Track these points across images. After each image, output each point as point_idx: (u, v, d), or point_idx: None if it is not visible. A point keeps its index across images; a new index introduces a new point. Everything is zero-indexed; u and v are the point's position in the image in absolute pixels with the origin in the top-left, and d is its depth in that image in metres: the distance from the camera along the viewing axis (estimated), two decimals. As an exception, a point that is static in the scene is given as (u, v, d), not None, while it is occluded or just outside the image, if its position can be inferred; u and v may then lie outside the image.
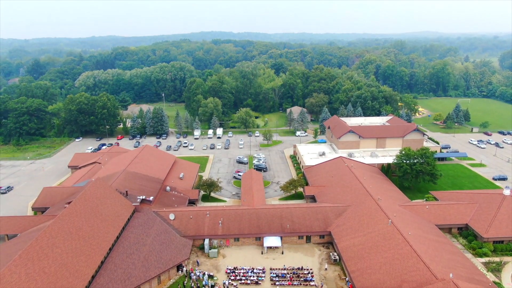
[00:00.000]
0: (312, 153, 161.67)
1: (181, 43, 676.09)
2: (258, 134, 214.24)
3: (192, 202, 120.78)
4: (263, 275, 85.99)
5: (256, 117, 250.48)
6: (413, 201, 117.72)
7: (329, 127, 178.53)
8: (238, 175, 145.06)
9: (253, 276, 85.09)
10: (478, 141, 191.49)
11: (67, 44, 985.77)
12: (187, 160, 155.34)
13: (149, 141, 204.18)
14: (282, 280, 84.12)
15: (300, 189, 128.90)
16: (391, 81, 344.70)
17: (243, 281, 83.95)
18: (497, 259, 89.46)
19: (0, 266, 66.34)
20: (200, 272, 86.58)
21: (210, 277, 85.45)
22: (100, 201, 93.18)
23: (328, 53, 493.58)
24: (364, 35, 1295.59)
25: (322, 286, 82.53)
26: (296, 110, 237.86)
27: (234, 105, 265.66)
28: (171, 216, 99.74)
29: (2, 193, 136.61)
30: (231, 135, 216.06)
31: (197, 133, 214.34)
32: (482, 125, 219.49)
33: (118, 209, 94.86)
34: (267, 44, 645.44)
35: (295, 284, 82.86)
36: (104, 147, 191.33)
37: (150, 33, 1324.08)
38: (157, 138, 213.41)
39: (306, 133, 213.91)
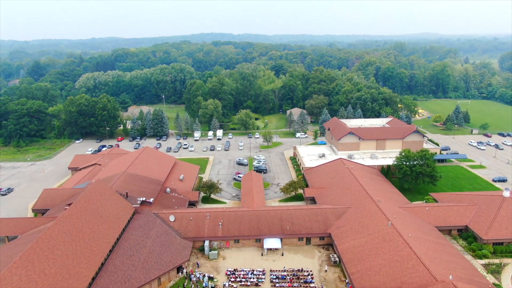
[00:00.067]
0: (312, 154, 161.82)
1: (181, 44, 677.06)
2: (258, 136, 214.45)
3: (192, 204, 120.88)
4: (263, 276, 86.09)
5: (256, 119, 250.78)
6: (413, 202, 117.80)
7: (329, 129, 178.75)
8: (238, 176, 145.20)
9: (253, 278, 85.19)
10: (478, 142, 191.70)
11: (67, 46, 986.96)
12: (187, 162, 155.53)
13: (149, 143, 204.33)
14: (282, 282, 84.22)
15: (300, 191, 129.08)
16: (391, 83, 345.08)
17: (243, 283, 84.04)
18: (497, 260, 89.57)
19: (1, 268, 66.46)
20: (200, 274, 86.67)
21: (210, 279, 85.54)
22: (100, 203, 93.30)
23: (328, 55, 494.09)
24: (364, 37, 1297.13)
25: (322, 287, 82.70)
26: (296, 112, 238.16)
27: (234, 107, 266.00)
28: (171, 218, 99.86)
29: (2, 194, 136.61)
30: (231, 136, 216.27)
31: (197, 134, 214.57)
32: (482, 126, 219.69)
33: (118, 210, 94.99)
34: (267, 45, 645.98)
35: (295, 286, 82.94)
36: (104, 148, 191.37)
37: (150, 35, 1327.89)
38: (157, 139, 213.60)
39: (306, 135, 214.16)
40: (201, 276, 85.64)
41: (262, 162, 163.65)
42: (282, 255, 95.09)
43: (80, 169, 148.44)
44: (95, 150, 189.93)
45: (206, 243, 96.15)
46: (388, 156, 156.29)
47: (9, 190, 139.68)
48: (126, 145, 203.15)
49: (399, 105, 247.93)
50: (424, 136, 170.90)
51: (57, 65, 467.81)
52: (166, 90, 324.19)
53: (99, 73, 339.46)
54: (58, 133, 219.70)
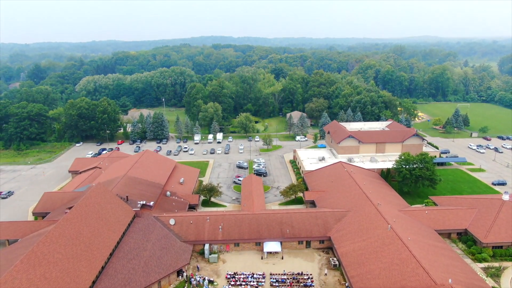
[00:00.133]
0: (312, 158, 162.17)
1: (181, 47, 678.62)
2: (258, 139, 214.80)
3: (192, 207, 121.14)
4: (263, 280, 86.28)
5: (256, 122, 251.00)
6: (412, 206, 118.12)
7: (328, 132, 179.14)
8: (238, 180, 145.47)
9: (253, 281, 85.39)
10: (477, 146, 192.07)
11: (67, 49, 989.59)
12: (187, 165, 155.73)
13: (149, 146, 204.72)
14: (282, 285, 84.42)
15: (300, 194, 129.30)
16: (391, 86, 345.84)
17: (243, 286, 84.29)
18: (496, 264, 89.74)
19: (1, 272, 66.71)
20: (200, 277, 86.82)
21: (210, 282, 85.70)
22: (100, 206, 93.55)
23: (328, 58, 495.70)
24: (364, 40, 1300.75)
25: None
26: (296, 115, 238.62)
27: (234, 110, 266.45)
28: (172, 221, 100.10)
29: (3, 198, 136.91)
30: (231, 140, 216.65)
31: (197, 138, 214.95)
32: (481, 130, 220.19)
33: (119, 214, 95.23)
34: (267, 48, 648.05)
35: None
36: (104, 152, 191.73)
37: (150, 38, 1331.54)
38: (157, 143, 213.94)
39: (306, 138, 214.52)
40: (201, 280, 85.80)
41: (262, 166, 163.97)
42: (282, 258, 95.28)
43: (80, 173, 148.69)
44: (95, 153, 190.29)
45: (206, 246, 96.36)
46: (387, 160, 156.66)
47: (10, 193, 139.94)
48: (126, 148, 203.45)
49: (398, 109, 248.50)
50: (423, 139, 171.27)
51: (57, 68, 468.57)
52: (166, 93, 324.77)
53: (99, 76, 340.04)
54: (58, 136, 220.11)
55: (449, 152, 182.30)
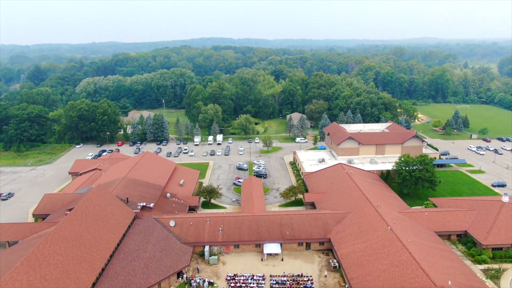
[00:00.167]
0: (312, 159, 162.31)
1: (181, 49, 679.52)
2: (258, 141, 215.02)
3: (192, 209, 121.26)
4: (263, 282, 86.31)
5: (256, 124, 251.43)
6: (412, 208, 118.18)
7: (328, 134, 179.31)
8: (238, 181, 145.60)
9: (253, 283, 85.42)
10: (477, 147, 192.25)
11: (67, 50, 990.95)
12: (187, 167, 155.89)
13: (150, 148, 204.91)
14: (282, 287, 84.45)
15: (300, 196, 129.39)
16: (391, 88, 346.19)
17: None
18: (496, 266, 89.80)
19: (1, 273, 66.82)
20: (200, 279, 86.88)
21: (210, 284, 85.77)
22: (101, 208, 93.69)
23: (328, 60, 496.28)
24: (364, 41, 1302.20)
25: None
26: (295, 117, 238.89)
27: (234, 112, 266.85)
28: (172, 223, 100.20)
29: (3, 199, 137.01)
30: (231, 141, 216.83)
31: (197, 139, 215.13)
32: (481, 131, 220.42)
33: (119, 216, 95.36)
34: (267, 50, 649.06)
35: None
36: (104, 153, 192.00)
37: (151, 39, 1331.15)
38: (157, 144, 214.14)
39: (306, 140, 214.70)
40: (201, 281, 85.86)
41: (262, 167, 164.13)
42: (282, 260, 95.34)
43: (80, 174, 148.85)
44: (96, 155, 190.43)
45: (206, 248, 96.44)
46: (387, 161, 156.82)
47: (10, 195, 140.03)
48: (126, 150, 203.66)
49: (398, 110, 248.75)
50: (423, 141, 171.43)
51: (57, 69, 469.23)
52: (166, 95, 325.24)
53: (99, 78, 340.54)
54: (58, 138, 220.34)
55: (448, 154, 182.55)
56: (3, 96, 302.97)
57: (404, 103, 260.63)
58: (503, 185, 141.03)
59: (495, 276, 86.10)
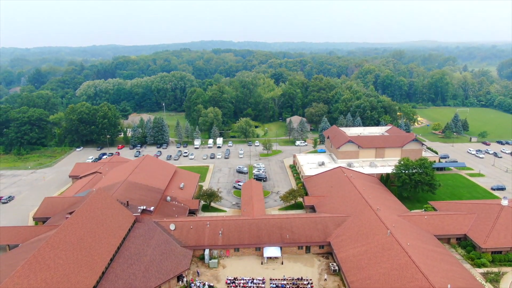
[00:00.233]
0: (312, 163, 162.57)
1: (182, 52, 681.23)
2: (258, 144, 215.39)
3: (192, 212, 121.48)
4: (263, 285, 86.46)
5: (256, 127, 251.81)
6: (412, 211, 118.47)
7: (328, 137, 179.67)
8: (238, 185, 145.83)
9: (253, 287, 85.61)
10: (476, 150, 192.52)
11: (68, 53, 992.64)
12: (187, 170, 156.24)
13: (150, 151, 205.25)
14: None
15: (300, 199, 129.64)
16: (390, 91, 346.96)
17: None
18: (495, 269, 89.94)
19: (2, 277, 67.03)
20: (200, 282, 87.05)
21: (211, 287, 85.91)
22: (101, 212, 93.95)
23: (328, 63, 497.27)
24: (364, 44, 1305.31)
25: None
26: (295, 120, 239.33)
27: (234, 115, 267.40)
28: (172, 226, 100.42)
29: (3, 203, 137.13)
30: (231, 144, 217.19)
31: (197, 142, 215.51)
32: (481, 134, 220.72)
33: (119, 219, 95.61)
34: (267, 53, 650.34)
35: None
36: (104, 156, 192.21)
37: (151, 42, 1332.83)
38: (157, 147, 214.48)
39: (306, 143, 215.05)
40: (201, 285, 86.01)
41: (262, 170, 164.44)
42: (282, 263, 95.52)
43: (80, 177, 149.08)
44: (96, 158, 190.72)
45: (206, 251, 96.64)
46: (387, 165, 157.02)
47: (10, 198, 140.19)
48: (127, 153, 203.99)
49: (398, 113, 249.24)
50: (423, 144, 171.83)
51: (58, 72, 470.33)
52: (166, 98, 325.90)
53: (99, 81, 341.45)
54: (58, 141, 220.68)
55: (448, 157, 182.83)
56: (4, 99, 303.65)
57: (403, 106, 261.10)
58: (502, 189, 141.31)
59: (494, 280, 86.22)
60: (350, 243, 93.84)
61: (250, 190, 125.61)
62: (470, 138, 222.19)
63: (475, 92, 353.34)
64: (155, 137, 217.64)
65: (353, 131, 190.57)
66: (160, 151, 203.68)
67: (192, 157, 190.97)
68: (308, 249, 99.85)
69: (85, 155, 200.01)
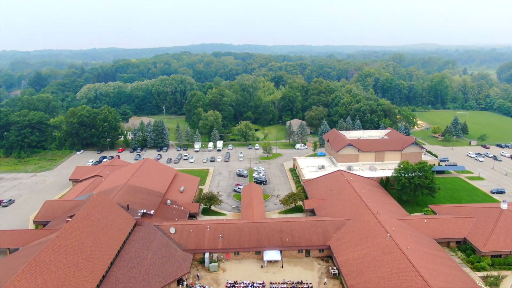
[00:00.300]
0: (312, 166, 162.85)
1: (182, 55, 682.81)
2: (258, 147, 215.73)
3: (192, 216, 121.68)
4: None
5: (256, 130, 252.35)
6: (411, 214, 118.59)
7: (328, 140, 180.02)
8: (238, 188, 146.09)
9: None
10: (476, 154, 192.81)
11: (68, 56, 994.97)
12: (187, 173, 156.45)
13: (150, 154, 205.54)
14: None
15: (300, 203, 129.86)
16: (390, 94, 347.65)
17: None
18: (495, 273, 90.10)
19: (3, 281, 67.21)
20: (200, 286, 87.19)
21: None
22: (101, 215, 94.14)
23: (327, 66, 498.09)
24: (363, 47, 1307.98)
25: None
26: (295, 123, 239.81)
27: (234, 118, 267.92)
28: (172, 230, 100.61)
29: (4, 206, 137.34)
30: (231, 148, 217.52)
31: (197, 146, 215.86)
32: (480, 138, 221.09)
33: (120, 223, 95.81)
34: (267, 56, 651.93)
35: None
36: (105, 159, 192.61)
37: (151, 45, 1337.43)
38: (157, 150, 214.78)
39: (306, 146, 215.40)
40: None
41: (262, 174, 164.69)
42: (282, 267, 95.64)
43: (81, 181, 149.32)
44: (96, 162, 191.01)
45: (207, 255, 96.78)
46: (387, 168, 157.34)
47: (10, 201, 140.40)
48: (127, 156, 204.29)
49: (397, 117, 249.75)
50: (422, 147, 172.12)
51: (58, 76, 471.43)
52: (166, 101, 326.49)
53: (100, 84, 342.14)
54: (59, 144, 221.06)
55: (448, 160, 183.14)
56: (4, 103, 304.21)
57: (403, 110, 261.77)
58: (502, 192, 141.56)
59: (494, 283, 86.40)
60: (350, 246, 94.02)
61: (250, 193, 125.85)
62: (470, 141, 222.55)
63: (475, 95, 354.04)
64: (155, 140, 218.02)
65: (352, 135, 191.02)
66: (160, 154, 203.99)
67: (192, 160, 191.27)
68: (308, 253, 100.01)
69: (86, 158, 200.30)
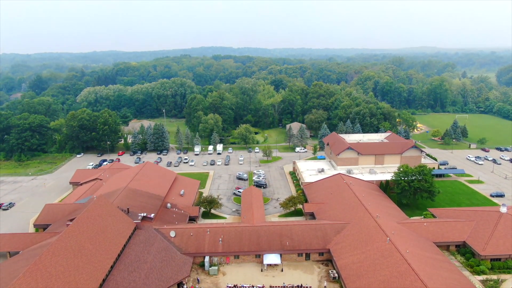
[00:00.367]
0: (311, 169, 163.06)
1: (182, 58, 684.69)
2: (258, 150, 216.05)
3: (192, 219, 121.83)
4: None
5: (256, 133, 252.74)
6: (411, 218, 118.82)
7: (328, 144, 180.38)
8: (238, 191, 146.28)
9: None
10: (475, 157, 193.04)
11: (68, 59, 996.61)
12: (187, 177, 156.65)
13: (150, 157, 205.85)
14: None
15: (300, 206, 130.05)
16: (390, 97, 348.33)
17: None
18: (494, 276, 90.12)
19: (3, 284, 67.41)
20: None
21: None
22: (102, 219, 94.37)
23: (327, 69, 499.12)
24: (363, 50, 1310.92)
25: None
26: (295, 126, 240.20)
27: (234, 121, 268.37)
28: (172, 233, 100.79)
29: (4, 209, 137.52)
30: (231, 151, 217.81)
31: (197, 149, 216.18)
32: (480, 141, 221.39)
33: (120, 226, 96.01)
34: (267, 60, 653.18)
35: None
36: (105, 163, 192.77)
37: (151, 48, 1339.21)
38: (157, 154, 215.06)
39: (306, 149, 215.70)
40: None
41: (262, 177, 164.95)
42: (282, 270, 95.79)
43: (81, 184, 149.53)
44: (96, 165, 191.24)
45: (207, 258, 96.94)
46: (386, 171, 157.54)
47: (11, 204, 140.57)
48: (127, 159, 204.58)
49: (397, 120, 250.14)
50: (422, 151, 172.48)
51: (58, 79, 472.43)
52: (166, 104, 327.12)
53: (100, 87, 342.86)
54: (59, 148, 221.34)
55: (447, 164, 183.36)
56: (5, 106, 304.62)
57: (403, 113, 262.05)
58: (501, 195, 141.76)
59: (493, 287, 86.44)
60: (349, 250, 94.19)
61: (250, 197, 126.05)
62: (469, 144, 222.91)
63: (474, 98, 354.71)
64: (156, 143, 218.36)
65: (352, 138, 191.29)
66: (161, 158, 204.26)
67: (192, 163, 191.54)
68: (308, 256, 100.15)
69: (86, 162, 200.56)
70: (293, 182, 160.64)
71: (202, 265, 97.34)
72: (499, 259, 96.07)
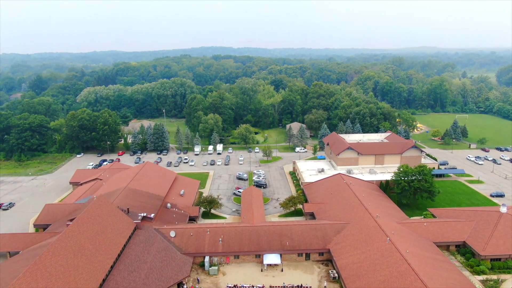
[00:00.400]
0: (311, 169, 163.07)
1: (182, 58, 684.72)
2: (258, 150, 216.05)
3: (192, 219, 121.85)
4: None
5: (256, 133, 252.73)
6: (411, 218, 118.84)
7: (328, 144, 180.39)
8: (238, 191, 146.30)
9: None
10: (475, 157, 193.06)
11: (68, 59, 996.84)
12: (187, 177, 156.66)
13: (150, 157, 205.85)
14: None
15: (300, 206, 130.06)
16: (390, 97, 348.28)
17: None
18: (494, 276, 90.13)
19: (3, 284, 67.42)
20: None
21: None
22: (102, 219, 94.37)
23: (327, 69, 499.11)
24: (363, 50, 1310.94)
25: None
26: (295, 126, 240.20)
27: (234, 121, 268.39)
28: (172, 233, 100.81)
29: (4, 209, 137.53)
30: (231, 151, 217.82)
31: (197, 149, 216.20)
32: (480, 141, 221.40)
33: (120, 226, 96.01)
34: (267, 60, 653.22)
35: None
36: (105, 163, 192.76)
37: (151, 48, 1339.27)
38: (157, 154, 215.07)
39: (306, 149, 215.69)
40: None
41: (262, 177, 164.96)
42: (282, 270, 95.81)
43: (81, 184, 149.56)
44: (96, 165, 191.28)
45: (207, 258, 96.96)
46: (386, 171, 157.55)
47: (11, 204, 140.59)
48: (127, 159, 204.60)
49: (397, 120, 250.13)
50: (422, 151, 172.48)
51: (58, 79, 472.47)
52: (166, 104, 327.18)
53: (100, 87, 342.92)
54: (59, 148, 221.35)
55: (447, 164, 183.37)
56: (5, 106, 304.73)
57: (403, 113, 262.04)
58: (501, 195, 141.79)
59: (493, 287, 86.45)
60: (349, 250, 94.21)
61: (250, 197, 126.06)
62: (469, 144, 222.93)
63: (474, 98, 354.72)
64: (156, 143, 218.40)
65: (352, 138, 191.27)
66: (161, 158, 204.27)
67: (192, 163, 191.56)
68: (308, 256, 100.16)
69: (86, 162, 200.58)
70: (293, 182, 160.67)
71: (202, 265, 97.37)
72: (499, 259, 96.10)
